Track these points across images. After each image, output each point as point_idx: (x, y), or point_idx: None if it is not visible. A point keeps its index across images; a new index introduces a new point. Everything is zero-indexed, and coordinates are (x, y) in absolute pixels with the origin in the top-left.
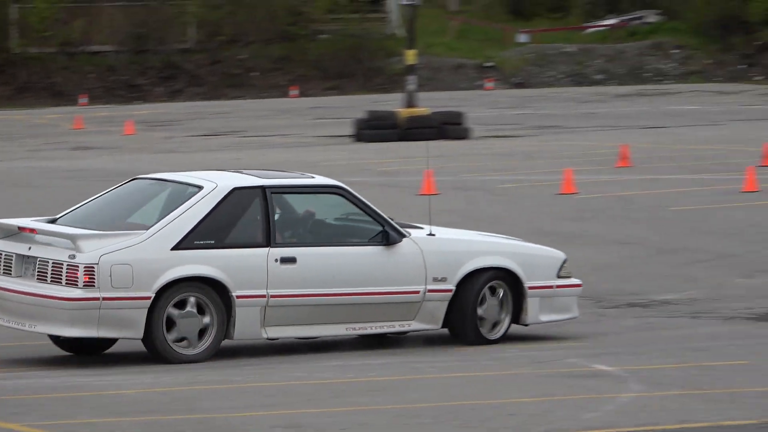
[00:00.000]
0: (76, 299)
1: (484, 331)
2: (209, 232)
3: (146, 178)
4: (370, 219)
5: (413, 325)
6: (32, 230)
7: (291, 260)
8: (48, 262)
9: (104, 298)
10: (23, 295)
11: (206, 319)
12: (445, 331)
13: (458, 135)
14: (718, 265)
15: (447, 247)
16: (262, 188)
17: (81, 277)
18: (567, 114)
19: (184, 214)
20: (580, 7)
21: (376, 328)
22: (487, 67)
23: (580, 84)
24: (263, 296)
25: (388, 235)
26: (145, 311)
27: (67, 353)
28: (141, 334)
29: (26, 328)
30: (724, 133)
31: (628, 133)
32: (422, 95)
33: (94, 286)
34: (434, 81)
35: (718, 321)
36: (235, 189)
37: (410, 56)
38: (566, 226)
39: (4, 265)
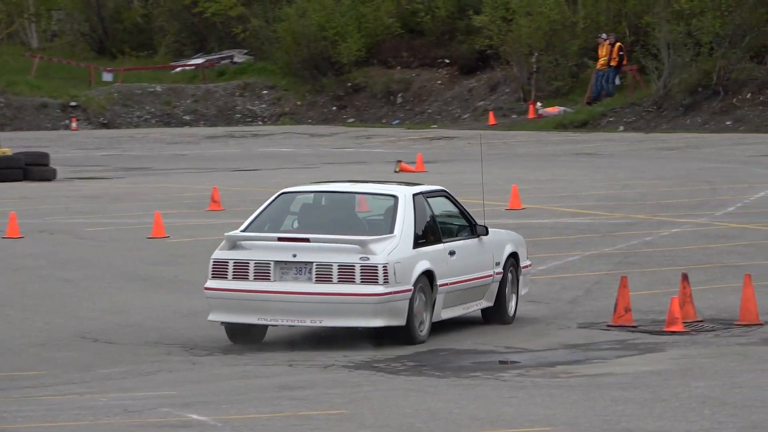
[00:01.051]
0: (379, 294)
1: (509, 306)
2: (420, 233)
3: (320, 191)
4: (460, 216)
5: (482, 304)
6: (305, 239)
7: (453, 253)
8: (332, 265)
9: (392, 293)
10: (313, 297)
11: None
12: None
13: (43, 176)
14: None
15: (498, 237)
16: (422, 194)
17: (381, 275)
18: (156, 155)
19: (406, 220)
20: (167, 47)
21: (472, 307)
22: (72, 106)
23: (168, 124)
24: (446, 284)
25: (479, 229)
26: (408, 301)
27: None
28: (404, 322)
29: (308, 323)
30: (317, 175)
31: (219, 175)
32: (4, 135)
33: (388, 282)
34: (17, 120)
35: (315, 369)
36: (414, 195)
37: None
38: (159, 271)
39: (257, 273)
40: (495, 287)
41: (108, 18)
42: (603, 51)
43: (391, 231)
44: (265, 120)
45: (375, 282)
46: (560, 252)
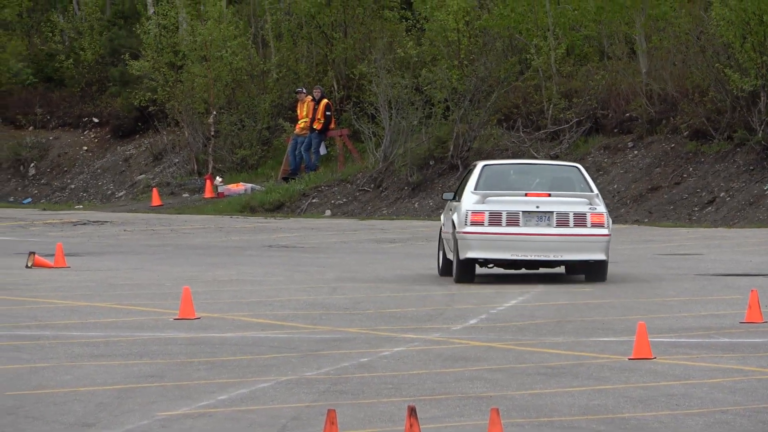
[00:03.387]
0: (606, 235)
1: None
2: None
3: (512, 164)
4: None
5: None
6: (547, 194)
7: None
8: (568, 213)
9: (610, 235)
10: (556, 237)
11: None
12: None
13: None
14: None
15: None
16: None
17: (607, 221)
18: None
19: (592, 182)
20: None
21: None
22: None
23: None
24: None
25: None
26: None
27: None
28: (608, 258)
29: (551, 257)
30: None
31: None
32: None
33: (607, 227)
34: None
35: None
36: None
37: None
38: None
39: (508, 220)
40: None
41: None
42: (303, 110)
43: (591, 190)
44: None
45: (602, 226)
46: (247, 377)
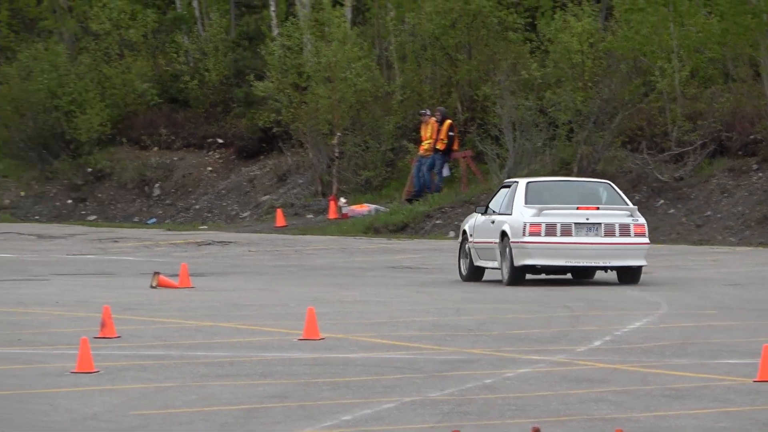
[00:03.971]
0: (647, 243)
1: None
2: None
3: (554, 180)
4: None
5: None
6: (596, 208)
7: None
8: (614, 224)
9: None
10: (605, 245)
11: None
12: None
13: None
14: None
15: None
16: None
17: (645, 231)
18: None
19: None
20: None
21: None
22: None
23: None
24: None
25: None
26: None
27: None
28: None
29: (601, 263)
30: (50, 291)
31: None
32: None
33: (645, 236)
34: None
35: None
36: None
37: None
38: None
39: (562, 230)
40: None
41: None
42: (428, 131)
43: (626, 203)
44: None
45: (643, 235)
46: (371, 397)
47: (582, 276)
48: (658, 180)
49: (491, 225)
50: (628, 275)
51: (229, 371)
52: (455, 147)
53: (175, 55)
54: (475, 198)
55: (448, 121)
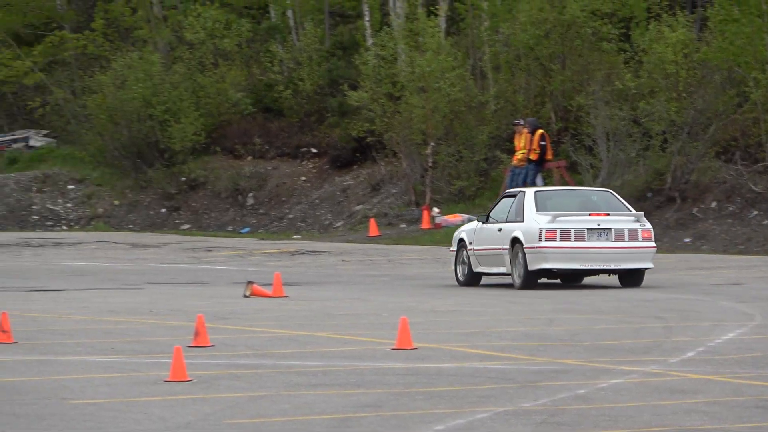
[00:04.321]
0: (654, 247)
1: None
2: None
3: (552, 190)
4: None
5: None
6: (606, 214)
7: None
8: (623, 229)
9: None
10: (616, 249)
11: None
12: None
13: None
14: None
15: None
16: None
17: (652, 236)
18: None
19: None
20: None
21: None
22: None
23: None
24: None
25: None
26: None
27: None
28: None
29: (612, 266)
30: (143, 300)
31: (10, 296)
32: None
33: (652, 240)
34: None
35: None
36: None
37: None
38: None
39: (576, 236)
40: None
41: None
42: (521, 141)
43: (629, 210)
44: (72, 224)
45: (650, 240)
46: (464, 407)
47: (571, 280)
48: (751, 191)
49: (497, 233)
50: (633, 278)
51: (322, 380)
52: (549, 157)
53: (269, 64)
54: None
55: (540, 131)
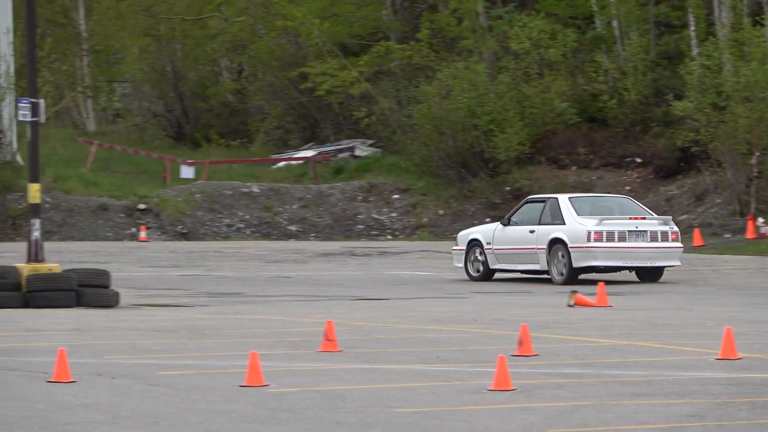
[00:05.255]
0: (681, 247)
1: None
2: None
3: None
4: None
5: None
6: (642, 218)
7: None
8: (657, 231)
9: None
10: (653, 249)
11: None
12: None
13: (102, 302)
14: None
15: None
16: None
17: (679, 237)
18: (250, 277)
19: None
20: (266, 134)
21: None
22: (141, 210)
23: (267, 236)
24: None
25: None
26: None
27: None
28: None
29: (648, 264)
30: (467, 309)
31: (335, 305)
32: (51, 246)
33: (679, 241)
34: (67, 227)
35: None
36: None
37: (33, 192)
38: (254, 431)
39: (619, 237)
40: None
41: (189, 94)
42: None
43: (651, 213)
44: (396, 233)
45: (677, 240)
46: None
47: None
48: None
49: (529, 234)
50: (655, 274)
51: (645, 390)
52: None
53: (594, 74)
54: None
55: None
